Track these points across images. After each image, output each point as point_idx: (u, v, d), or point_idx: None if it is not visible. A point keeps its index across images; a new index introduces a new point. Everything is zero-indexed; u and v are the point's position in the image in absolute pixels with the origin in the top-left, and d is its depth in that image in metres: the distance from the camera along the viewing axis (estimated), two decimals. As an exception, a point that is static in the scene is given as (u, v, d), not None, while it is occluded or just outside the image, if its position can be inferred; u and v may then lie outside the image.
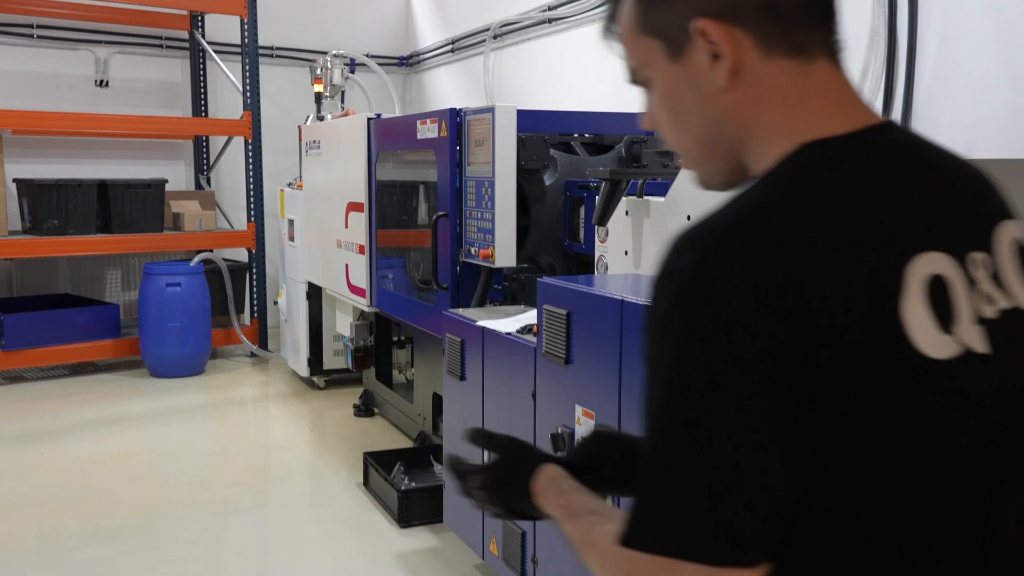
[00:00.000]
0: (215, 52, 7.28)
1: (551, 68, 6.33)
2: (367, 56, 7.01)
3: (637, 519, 0.82)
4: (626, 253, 2.98)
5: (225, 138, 7.55)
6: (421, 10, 8.44)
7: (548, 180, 3.74)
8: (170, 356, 6.43)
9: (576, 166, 3.79)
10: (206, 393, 6.24)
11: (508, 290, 3.71)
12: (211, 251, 6.97)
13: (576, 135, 3.95)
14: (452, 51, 7.73)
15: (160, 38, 7.50)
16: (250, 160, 6.96)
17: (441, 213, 3.81)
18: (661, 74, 0.96)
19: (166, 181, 6.93)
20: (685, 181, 2.70)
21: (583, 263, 3.79)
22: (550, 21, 6.22)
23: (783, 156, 0.90)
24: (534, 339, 2.77)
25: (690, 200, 2.67)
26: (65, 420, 5.46)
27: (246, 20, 6.85)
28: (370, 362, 5.41)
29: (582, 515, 1.04)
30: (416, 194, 4.47)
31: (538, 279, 2.64)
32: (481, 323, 3.09)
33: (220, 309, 6.82)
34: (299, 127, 6.35)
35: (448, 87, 8.00)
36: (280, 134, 7.51)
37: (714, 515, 0.78)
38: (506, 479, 1.21)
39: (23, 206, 6.56)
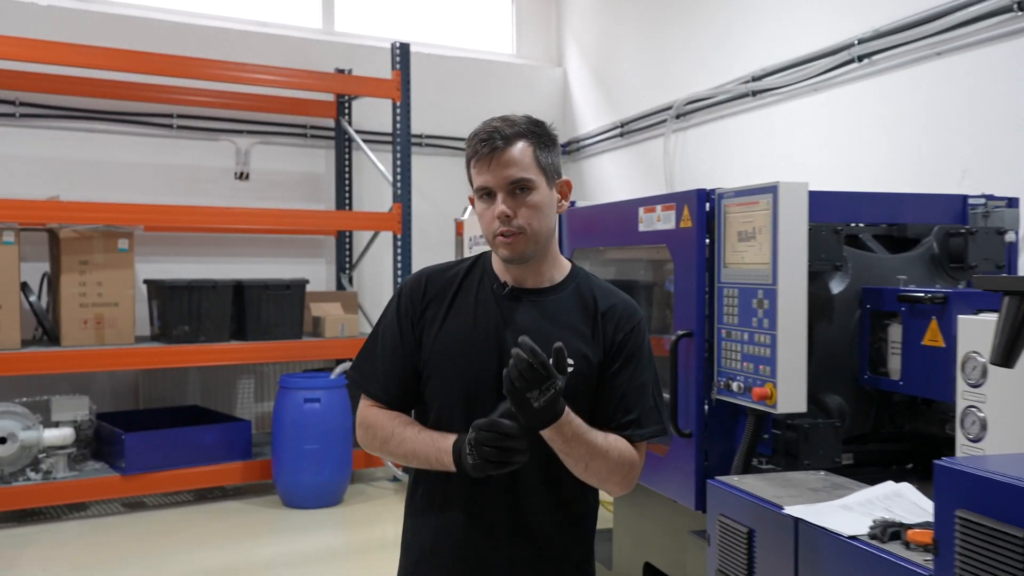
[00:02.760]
0: (362, 141, 6.62)
1: (754, 148, 5.33)
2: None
3: (658, 424, 1.89)
4: (1033, 407, 1.88)
5: (369, 234, 6.83)
6: (581, 93, 7.64)
7: (837, 287, 2.67)
8: (305, 484, 5.56)
9: (872, 267, 2.73)
10: (345, 531, 5.32)
11: (780, 441, 2.61)
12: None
13: (859, 224, 2.90)
14: (621, 135, 6.85)
15: (304, 127, 6.90)
16: (399, 257, 6.17)
17: (683, 332, 2.79)
18: (541, 189, 1.85)
19: (307, 282, 6.20)
20: None
21: (890, 406, 2.69)
22: (754, 94, 5.25)
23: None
24: (921, 557, 1.69)
25: None
26: (186, 566, 4.59)
27: (398, 104, 6.17)
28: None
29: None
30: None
31: (939, 463, 1.56)
32: (790, 510, 2.02)
33: (361, 427, 5.94)
34: (457, 220, 5.54)
35: (615, 174, 7.10)
36: (427, 229, 6.73)
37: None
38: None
39: (153, 309, 5.92)
